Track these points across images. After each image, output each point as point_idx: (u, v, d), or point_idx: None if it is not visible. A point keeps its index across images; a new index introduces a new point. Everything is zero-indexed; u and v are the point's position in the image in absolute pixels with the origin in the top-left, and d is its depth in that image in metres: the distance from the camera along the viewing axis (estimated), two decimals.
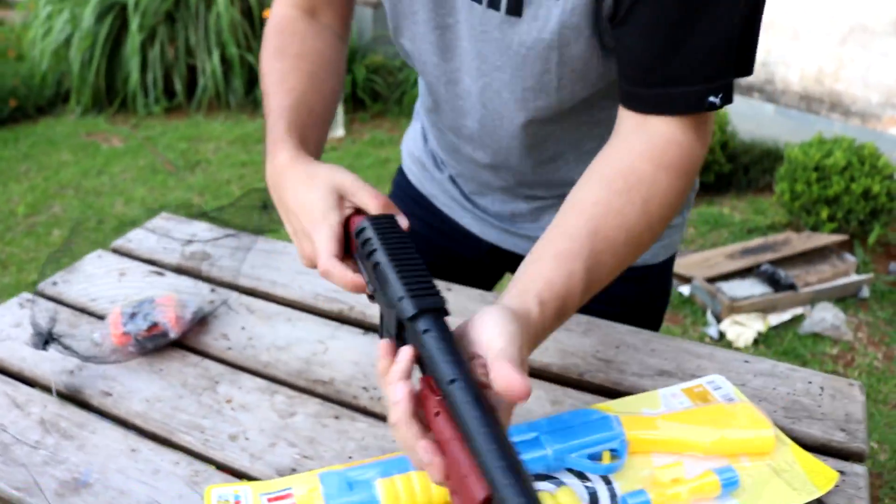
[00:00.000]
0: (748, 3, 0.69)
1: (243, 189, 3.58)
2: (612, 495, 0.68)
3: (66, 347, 0.82)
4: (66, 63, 4.29)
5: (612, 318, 0.95)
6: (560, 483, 0.69)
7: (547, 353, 0.87)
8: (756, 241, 2.99)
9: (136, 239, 1.13)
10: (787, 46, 3.79)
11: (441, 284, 1.00)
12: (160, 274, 1.04)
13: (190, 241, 1.11)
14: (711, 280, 2.74)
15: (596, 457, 0.70)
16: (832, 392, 0.82)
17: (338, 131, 4.12)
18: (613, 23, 0.71)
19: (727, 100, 0.71)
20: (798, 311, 2.67)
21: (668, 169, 0.71)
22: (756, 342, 2.55)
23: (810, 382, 0.84)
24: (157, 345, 0.87)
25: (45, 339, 0.81)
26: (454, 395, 0.50)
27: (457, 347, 0.54)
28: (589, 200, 0.70)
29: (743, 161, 3.62)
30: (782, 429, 0.77)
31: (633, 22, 0.69)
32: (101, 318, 0.94)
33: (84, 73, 4.17)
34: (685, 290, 2.78)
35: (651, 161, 0.71)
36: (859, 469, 0.72)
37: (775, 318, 2.65)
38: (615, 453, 0.71)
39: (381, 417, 0.79)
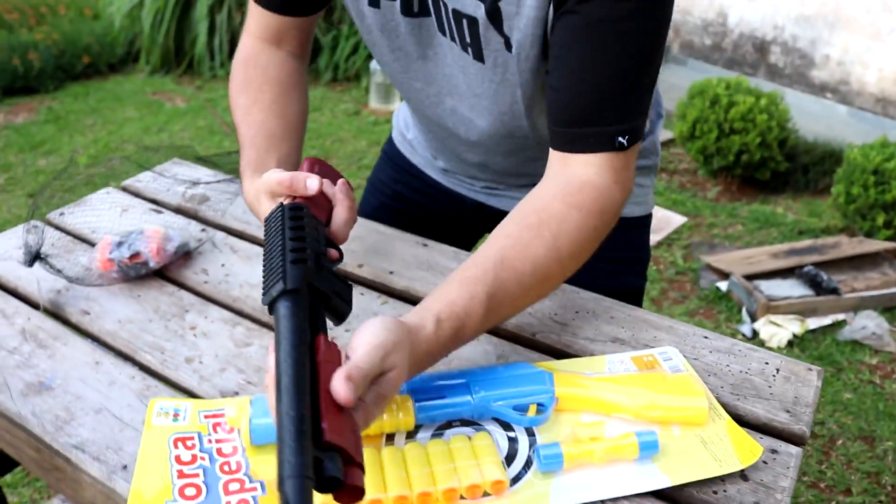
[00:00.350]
0: (651, 51, 0.78)
1: None
2: (532, 447, 0.70)
3: (52, 267, 0.88)
4: (138, 24, 4.46)
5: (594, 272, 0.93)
6: (481, 429, 0.71)
7: None
8: (804, 243, 2.90)
9: (145, 180, 1.19)
10: (865, 46, 3.64)
11: (417, 240, 1.03)
12: (158, 212, 1.10)
13: (194, 184, 1.16)
14: (750, 277, 2.68)
15: (522, 409, 0.72)
16: (787, 374, 0.81)
17: (395, 103, 4.17)
18: (548, 68, 0.82)
19: (633, 141, 0.80)
20: (840, 316, 2.59)
21: (580, 208, 0.77)
22: (790, 344, 2.48)
23: (767, 363, 0.83)
24: (138, 273, 0.93)
25: (33, 258, 0.87)
26: (278, 377, 0.54)
27: (298, 328, 0.58)
28: (502, 234, 0.77)
29: (803, 161, 3.50)
30: (726, 405, 0.77)
31: (555, 66, 0.80)
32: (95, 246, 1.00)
33: (154, 34, 4.32)
34: (723, 285, 2.73)
35: (563, 200, 0.78)
36: (793, 450, 0.72)
37: (814, 322, 2.57)
38: (541, 408, 0.72)
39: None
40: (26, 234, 0.90)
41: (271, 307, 0.61)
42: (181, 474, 0.65)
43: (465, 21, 0.84)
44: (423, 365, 0.68)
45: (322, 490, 0.51)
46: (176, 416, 0.72)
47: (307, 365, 0.56)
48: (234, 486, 0.64)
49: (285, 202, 0.73)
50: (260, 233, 1.04)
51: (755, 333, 2.51)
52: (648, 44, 0.78)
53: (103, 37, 4.55)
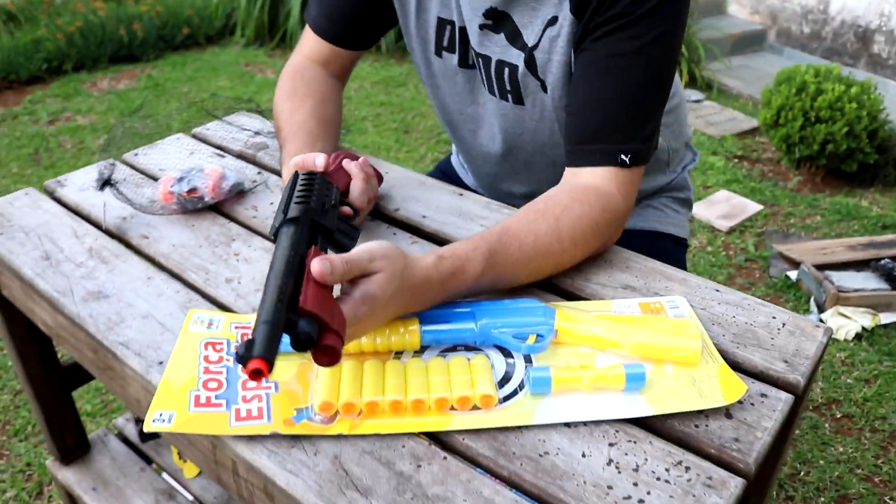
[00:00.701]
0: (655, 81, 0.91)
1: (377, 127, 3.78)
2: (526, 371, 0.75)
3: (120, 193, 0.98)
4: None
5: None
6: (481, 353, 0.77)
7: None
8: (886, 237, 2.79)
9: (213, 128, 1.29)
10: None
11: (454, 190, 1.09)
12: (221, 156, 1.19)
13: (255, 133, 1.25)
14: (821, 267, 2.60)
15: (522, 338, 0.77)
16: (792, 329, 0.83)
17: None
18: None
19: (636, 161, 0.91)
20: None
21: (582, 202, 0.88)
22: (858, 337, 2.41)
23: (774, 318, 0.85)
24: (195, 206, 1.02)
25: (103, 183, 0.97)
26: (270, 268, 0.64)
27: (293, 242, 0.68)
28: (512, 214, 0.89)
29: (895, 154, 3.35)
30: (724, 351, 0.79)
31: (571, 94, 0.95)
32: None
33: (250, 8, 4.51)
34: (793, 274, 2.67)
35: (569, 195, 0.90)
36: (783, 395, 0.74)
37: (887, 318, 2.48)
38: (540, 338, 0.77)
39: None
40: (100, 164, 1.00)
41: (275, 236, 0.70)
42: (207, 370, 0.74)
43: (507, 69, 1.01)
44: (423, 293, 0.74)
45: (297, 347, 0.59)
46: (210, 324, 0.80)
47: (296, 262, 0.64)
48: (251, 384, 0.72)
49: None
50: None
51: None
52: (653, 76, 0.91)
53: (203, 10, 4.79)
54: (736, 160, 3.56)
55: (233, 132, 1.26)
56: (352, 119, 3.84)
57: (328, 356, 0.60)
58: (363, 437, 0.67)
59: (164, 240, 0.97)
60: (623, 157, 0.91)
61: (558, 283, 0.89)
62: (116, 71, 4.42)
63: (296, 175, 0.83)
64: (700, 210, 3.06)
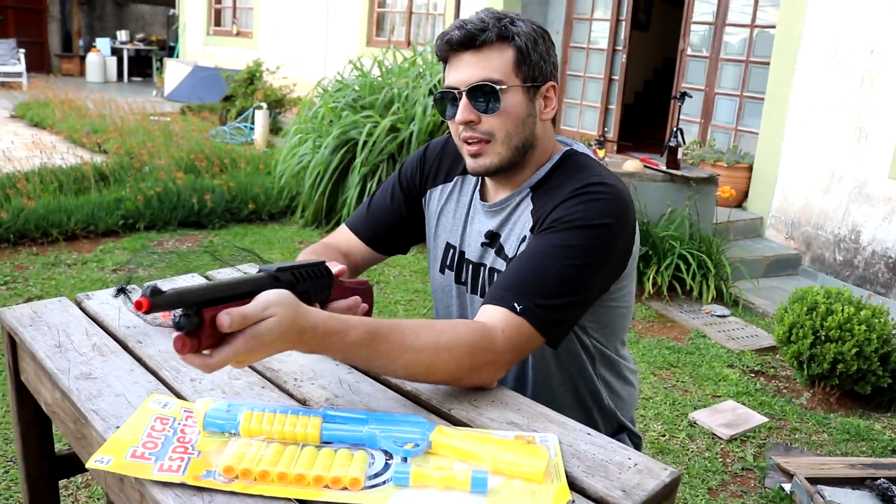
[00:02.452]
0: (566, 276, 1.14)
1: (408, 312, 4.05)
2: None
3: (130, 301, 1.24)
4: (300, 183, 5.23)
5: None
6: (364, 449, 0.94)
7: (438, 393, 1.12)
8: (890, 459, 2.80)
9: (224, 273, 1.56)
10: None
11: None
12: None
13: None
14: (815, 481, 2.62)
15: (402, 443, 0.94)
16: (642, 469, 0.97)
17: None
18: None
19: (528, 316, 1.11)
20: None
21: (468, 328, 1.09)
22: None
23: (630, 458, 0.99)
24: None
25: (119, 291, 1.24)
26: None
27: (243, 280, 0.93)
28: (410, 319, 1.10)
29: None
30: (573, 476, 0.93)
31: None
32: None
33: (312, 193, 5.04)
34: (788, 486, 2.68)
35: (462, 322, 1.11)
36: None
37: None
38: (416, 446, 0.94)
39: (294, 396, 1.09)
40: (120, 284, 1.27)
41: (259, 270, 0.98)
42: (150, 436, 0.94)
43: (495, 274, 1.30)
44: (307, 339, 0.93)
45: (174, 325, 0.84)
46: (165, 406, 1.01)
47: (238, 289, 0.89)
48: (179, 449, 0.91)
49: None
50: None
51: None
52: (563, 271, 1.14)
53: (270, 190, 5.38)
54: (752, 374, 3.65)
55: (238, 275, 1.53)
56: (385, 302, 4.14)
57: (178, 344, 0.83)
58: (251, 496, 0.85)
59: (154, 346, 1.21)
60: (516, 304, 1.11)
61: (456, 413, 1.07)
62: (183, 234, 4.95)
63: (320, 262, 1.09)
64: (702, 417, 3.13)
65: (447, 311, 1.44)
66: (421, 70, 5.43)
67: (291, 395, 1.09)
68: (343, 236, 1.47)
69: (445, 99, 1.26)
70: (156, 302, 0.80)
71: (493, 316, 1.12)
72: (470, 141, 1.25)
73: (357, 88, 5.38)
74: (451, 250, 1.40)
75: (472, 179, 1.41)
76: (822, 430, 3.16)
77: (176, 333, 0.84)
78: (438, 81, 5.21)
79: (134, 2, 16.40)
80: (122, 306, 1.28)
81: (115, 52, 14.56)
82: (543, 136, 1.30)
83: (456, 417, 1.06)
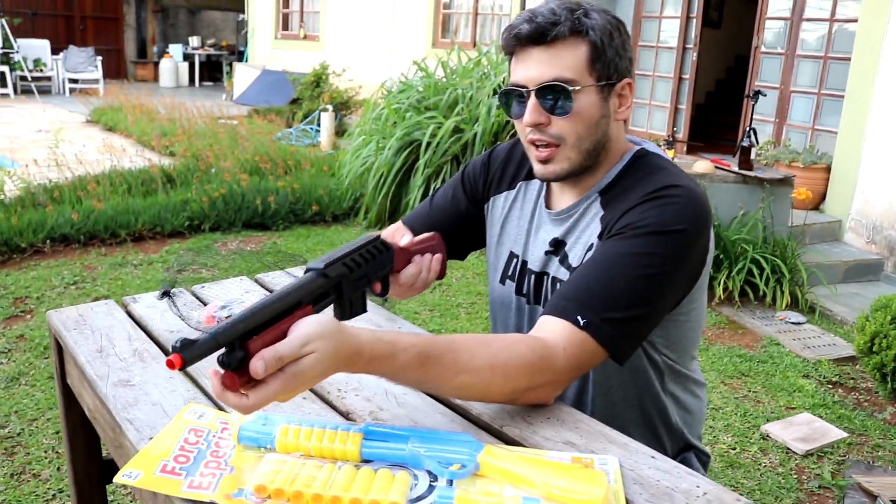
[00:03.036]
0: (636, 287, 1.05)
1: (469, 315, 3.99)
2: None
3: (173, 304, 1.21)
4: (364, 184, 5.22)
5: None
6: (406, 469, 0.87)
7: (489, 409, 1.04)
8: None
9: (272, 275, 1.52)
10: None
11: None
12: None
13: None
14: None
15: (448, 464, 0.87)
16: (712, 499, 0.88)
17: None
18: None
19: (591, 330, 1.02)
20: None
21: (526, 345, 1.00)
22: None
23: (698, 486, 0.90)
24: None
25: (163, 294, 1.21)
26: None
27: (298, 288, 0.87)
28: (463, 335, 1.00)
29: None
30: None
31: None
32: None
33: (375, 194, 5.03)
34: None
35: (519, 338, 1.02)
36: None
37: None
38: (463, 467, 0.87)
39: (336, 409, 1.03)
40: (166, 286, 1.24)
41: (307, 270, 0.92)
42: (182, 449, 0.89)
43: (557, 283, 1.21)
44: (351, 364, 0.86)
45: (219, 363, 0.76)
46: (201, 416, 0.96)
47: (286, 306, 0.82)
48: (212, 464, 0.87)
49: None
50: None
51: None
52: (634, 281, 1.05)
53: (334, 191, 5.38)
54: (829, 386, 3.45)
55: (286, 280, 1.49)
56: (447, 305, 4.08)
57: (227, 382, 0.76)
58: None
59: None
60: (579, 318, 1.02)
61: (508, 431, 0.99)
62: (247, 235, 5.00)
63: (374, 239, 1.04)
64: (776, 429, 2.96)
65: (505, 323, 1.35)
66: (486, 70, 5.36)
67: (334, 407, 1.04)
68: (393, 230, 1.39)
69: (511, 96, 1.17)
70: (189, 356, 0.72)
71: (553, 330, 1.03)
72: (538, 144, 1.17)
73: (421, 89, 5.35)
74: (514, 260, 1.33)
75: (535, 185, 1.32)
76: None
77: (220, 372, 0.77)
78: (503, 81, 5.13)
79: (206, 8, 16.85)
80: (166, 310, 1.25)
81: (187, 57, 14.98)
82: (616, 138, 1.21)
83: (508, 435, 0.99)
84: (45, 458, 2.43)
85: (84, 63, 12.71)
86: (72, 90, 12.47)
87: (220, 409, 1.01)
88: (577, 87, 1.12)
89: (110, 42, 15.35)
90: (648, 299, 1.06)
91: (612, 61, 1.14)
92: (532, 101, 1.13)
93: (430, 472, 0.88)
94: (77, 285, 3.97)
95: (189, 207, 4.88)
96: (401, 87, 5.52)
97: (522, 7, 6.63)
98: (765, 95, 5.42)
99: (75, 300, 3.75)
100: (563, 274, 1.22)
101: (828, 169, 5.41)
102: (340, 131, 8.30)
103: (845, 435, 2.97)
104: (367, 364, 0.88)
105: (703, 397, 1.36)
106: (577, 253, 1.21)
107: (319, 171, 5.99)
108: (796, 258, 4.50)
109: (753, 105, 5.15)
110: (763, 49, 6.20)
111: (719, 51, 8.70)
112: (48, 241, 4.38)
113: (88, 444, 1.34)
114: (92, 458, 1.35)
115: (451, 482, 0.86)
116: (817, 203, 5.44)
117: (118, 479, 0.82)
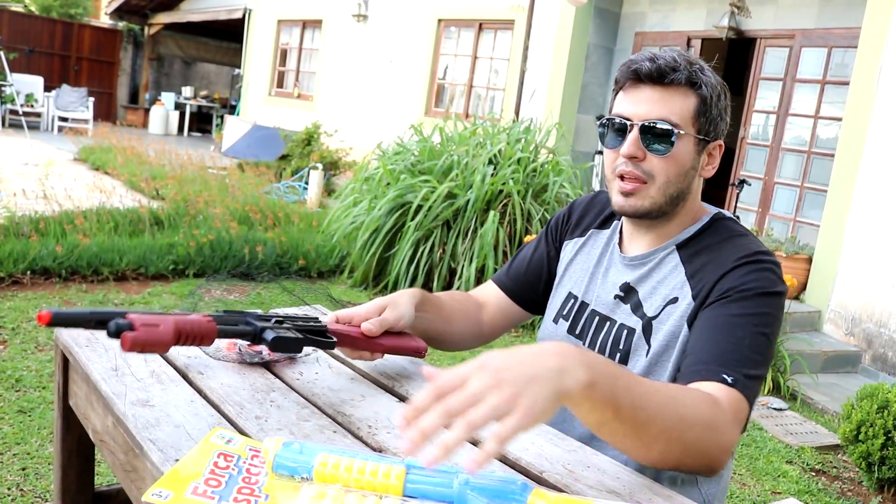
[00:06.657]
0: (756, 343, 1.08)
1: None
2: None
3: None
4: (353, 243, 5.19)
5: None
6: None
7: (527, 454, 1.00)
8: None
9: (295, 310, 1.48)
10: None
11: None
12: None
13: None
14: None
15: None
16: None
17: None
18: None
19: (738, 385, 1.03)
20: None
21: (704, 398, 0.99)
22: None
23: None
24: (252, 359, 1.17)
25: None
26: None
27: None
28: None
29: None
30: None
31: (689, 343, 1.14)
32: None
33: (363, 253, 4.99)
34: None
35: (695, 391, 1.01)
36: None
37: None
38: None
39: (368, 445, 0.98)
40: (183, 308, 1.19)
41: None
42: (213, 472, 0.83)
43: (625, 332, 1.22)
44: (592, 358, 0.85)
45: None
46: (229, 441, 0.90)
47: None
48: (245, 491, 0.81)
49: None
50: (353, 363, 1.27)
51: None
52: (753, 338, 1.08)
53: (321, 247, 5.34)
54: (813, 473, 3.42)
55: (308, 313, 1.44)
56: (430, 359, 4.03)
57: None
58: None
59: (216, 378, 1.11)
60: (726, 376, 1.04)
61: (547, 476, 0.95)
62: (232, 284, 4.91)
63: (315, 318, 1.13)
64: None
65: None
66: (481, 140, 5.43)
67: (365, 443, 0.98)
68: (487, 288, 1.47)
69: (613, 127, 1.20)
70: (59, 318, 0.86)
71: (719, 394, 1.02)
72: (626, 176, 1.19)
73: (416, 153, 5.39)
74: (572, 300, 1.34)
75: (605, 233, 1.36)
76: None
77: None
78: (499, 151, 5.19)
79: (202, 60, 17.05)
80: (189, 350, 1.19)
81: (178, 106, 15.06)
82: (695, 194, 1.26)
83: (548, 481, 0.94)
84: (9, 495, 2.30)
85: (75, 102, 12.72)
86: (60, 128, 12.43)
87: (246, 436, 0.96)
88: (681, 133, 1.16)
89: (104, 85, 15.42)
90: (768, 355, 1.10)
91: (714, 119, 1.20)
92: (634, 134, 1.17)
93: None
94: None
95: (175, 251, 4.80)
96: (396, 150, 5.56)
97: (521, 84, 6.78)
98: (749, 185, 5.55)
99: (51, 335, 3.62)
100: (635, 322, 1.22)
101: (809, 260, 5.50)
102: (328, 190, 8.32)
103: None
104: (610, 373, 0.87)
105: (730, 466, 1.33)
106: (653, 304, 1.22)
107: (309, 226, 5.96)
108: (779, 345, 4.52)
109: (738, 193, 5.26)
110: (749, 140, 6.38)
111: None
112: (28, 273, 4.26)
113: (81, 473, 1.26)
114: (83, 488, 1.26)
115: None
116: (798, 292, 5.51)
117: (147, 498, 0.76)
